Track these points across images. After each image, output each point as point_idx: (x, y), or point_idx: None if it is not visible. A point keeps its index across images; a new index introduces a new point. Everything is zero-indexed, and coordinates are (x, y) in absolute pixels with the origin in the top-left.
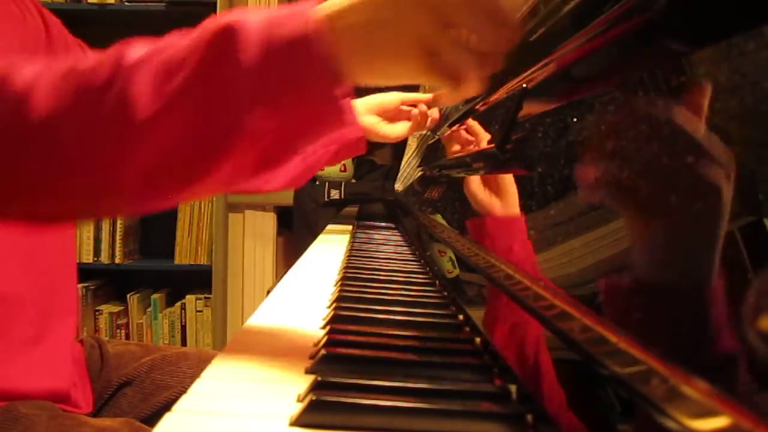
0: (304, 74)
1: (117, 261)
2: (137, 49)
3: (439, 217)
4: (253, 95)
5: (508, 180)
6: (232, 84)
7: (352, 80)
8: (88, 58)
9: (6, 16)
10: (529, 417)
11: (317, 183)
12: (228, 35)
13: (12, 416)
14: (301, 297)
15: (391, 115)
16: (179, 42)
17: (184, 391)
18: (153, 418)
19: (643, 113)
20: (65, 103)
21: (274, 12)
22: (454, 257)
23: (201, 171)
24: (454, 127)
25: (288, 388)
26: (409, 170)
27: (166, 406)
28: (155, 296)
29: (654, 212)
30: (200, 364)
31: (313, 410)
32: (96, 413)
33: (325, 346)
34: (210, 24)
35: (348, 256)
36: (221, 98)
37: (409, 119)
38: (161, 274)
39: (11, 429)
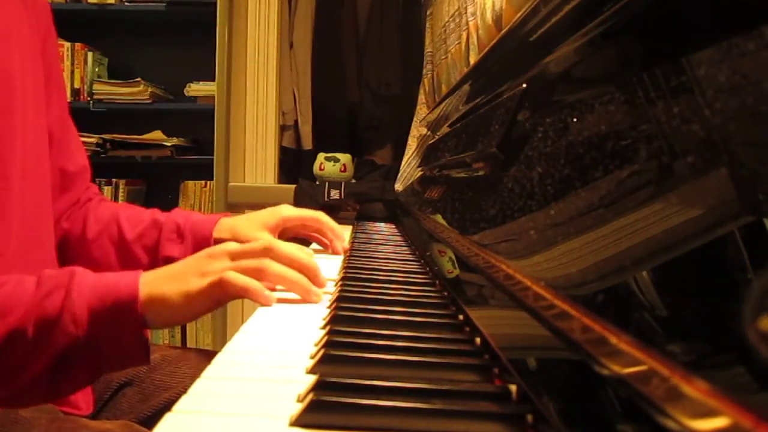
0: (120, 334)
1: None
2: None
3: (439, 217)
4: (79, 351)
5: None
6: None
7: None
8: None
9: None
10: (529, 417)
11: (317, 183)
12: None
13: (12, 419)
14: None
15: (291, 233)
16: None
17: (185, 392)
18: (153, 419)
19: (642, 114)
20: None
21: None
22: (454, 257)
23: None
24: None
25: (288, 388)
26: (409, 170)
27: (166, 407)
28: None
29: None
30: (200, 364)
31: (313, 410)
32: (96, 414)
33: (325, 346)
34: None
35: (348, 256)
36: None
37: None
38: None
39: (10, 431)
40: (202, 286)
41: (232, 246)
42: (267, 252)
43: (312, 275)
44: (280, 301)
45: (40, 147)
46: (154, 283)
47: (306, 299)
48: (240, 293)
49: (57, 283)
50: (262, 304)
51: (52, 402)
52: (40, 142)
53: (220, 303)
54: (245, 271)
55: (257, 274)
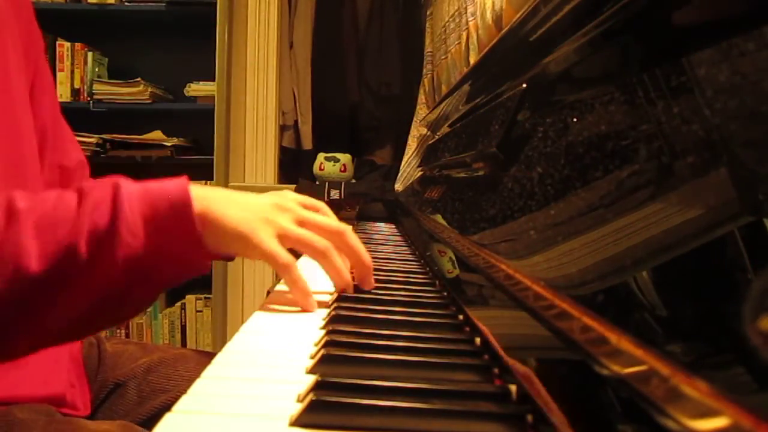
0: (179, 245)
1: None
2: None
3: (439, 217)
4: (135, 267)
5: None
6: (116, 259)
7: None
8: None
9: None
10: (529, 417)
11: (317, 183)
12: (113, 208)
13: (9, 421)
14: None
15: None
16: (66, 203)
17: (182, 395)
18: (149, 422)
19: (642, 115)
20: None
21: (153, 185)
22: (453, 257)
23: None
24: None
25: (288, 388)
26: (409, 170)
27: (163, 411)
28: None
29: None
30: (198, 366)
31: (313, 410)
32: (92, 415)
33: (324, 346)
34: (96, 191)
35: None
36: (104, 271)
37: None
38: None
39: None
40: (265, 246)
41: (301, 208)
42: (336, 235)
43: (366, 275)
44: (279, 303)
45: (29, 144)
46: (212, 200)
47: (339, 288)
48: (291, 285)
49: (102, 196)
50: (304, 310)
51: (117, 326)
52: (29, 139)
53: (262, 260)
54: (310, 247)
55: (318, 255)
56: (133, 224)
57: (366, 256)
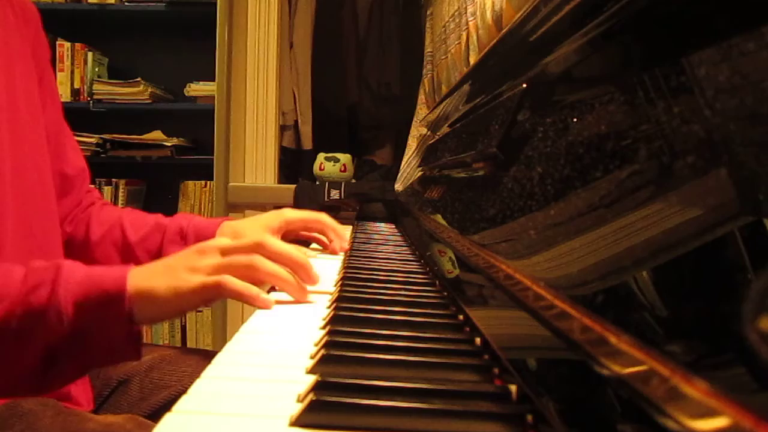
0: (108, 332)
1: None
2: None
3: (439, 217)
4: (67, 348)
5: None
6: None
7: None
8: None
9: None
10: (529, 417)
11: (317, 183)
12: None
13: (16, 412)
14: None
15: (293, 236)
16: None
17: (184, 391)
18: (152, 418)
19: (642, 114)
20: None
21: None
22: (453, 257)
23: None
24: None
25: (288, 388)
26: (409, 170)
27: (166, 406)
28: None
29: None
30: (200, 364)
31: (313, 410)
32: (95, 411)
33: (324, 346)
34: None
35: (348, 256)
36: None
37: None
38: None
39: (16, 425)
40: (193, 284)
41: (222, 242)
42: (258, 248)
43: (303, 271)
44: (279, 303)
45: (37, 152)
46: (143, 277)
47: (297, 299)
48: (236, 297)
49: (43, 278)
50: (260, 308)
51: (45, 395)
52: (37, 147)
53: (209, 303)
54: (236, 268)
55: (248, 270)
56: (63, 311)
57: (295, 255)
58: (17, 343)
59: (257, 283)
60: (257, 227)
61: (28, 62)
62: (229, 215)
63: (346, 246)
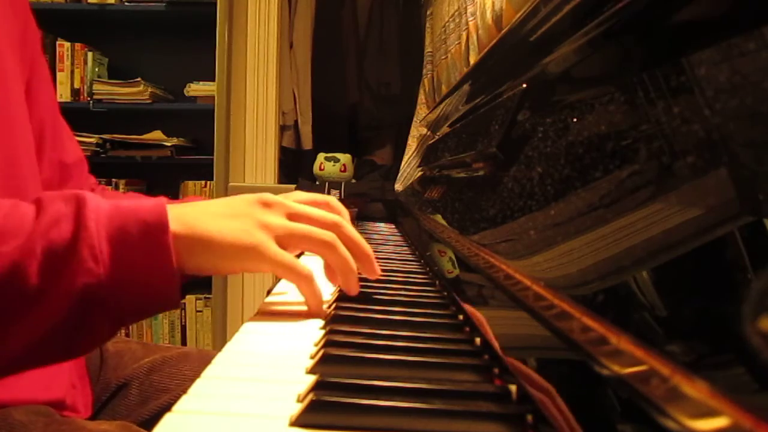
0: (149, 277)
1: None
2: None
3: (439, 217)
4: (101, 295)
5: None
6: (82, 284)
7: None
8: None
9: None
10: (529, 417)
11: (317, 183)
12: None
13: (7, 423)
14: (301, 297)
15: None
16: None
17: (184, 394)
18: (152, 422)
19: (642, 114)
20: None
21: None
22: (453, 257)
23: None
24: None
25: (288, 388)
26: (409, 170)
27: (165, 410)
28: None
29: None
30: (201, 365)
31: (313, 410)
32: (94, 417)
33: (324, 346)
34: (60, 208)
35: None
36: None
37: None
38: None
39: None
40: (277, 256)
41: (291, 202)
42: (335, 227)
43: (370, 266)
44: (278, 303)
45: (12, 156)
46: (189, 215)
47: (349, 291)
48: (304, 293)
49: (64, 210)
50: (314, 316)
51: (68, 360)
52: (27, 139)
53: (262, 270)
54: (311, 240)
55: (323, 248)
56: (97, 247)
57: (365, 246)
58: (39, 292)
59: (302, 249)
60: None
61: (16, 49)
62: None
63: None
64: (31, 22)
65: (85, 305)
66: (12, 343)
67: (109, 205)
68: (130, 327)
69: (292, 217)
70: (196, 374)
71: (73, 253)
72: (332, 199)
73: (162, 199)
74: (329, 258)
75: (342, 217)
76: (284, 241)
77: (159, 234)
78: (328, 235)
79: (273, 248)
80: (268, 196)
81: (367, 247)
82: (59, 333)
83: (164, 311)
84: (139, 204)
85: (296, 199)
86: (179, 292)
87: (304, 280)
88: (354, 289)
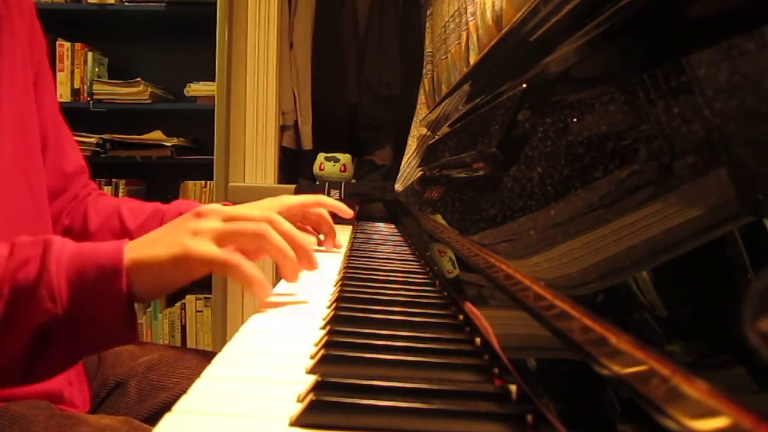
0: (104, 314)
1: None
2: None
3: (438, 217)
4: (59, 327)
5: None
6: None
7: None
8: None
9: None
10: (529, 417)
11: (317, 183)
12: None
13: (9, 418)
14: (301, 297)
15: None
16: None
17: (182, 393)
18: (150, 420)
19: (641, 114)
20: None
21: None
22: (453, 257)
23: None
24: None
25: (288, 388)
26: (409, 170)
27: (164, 408)
28: None
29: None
30: (199, 365)
31: (313, 410)
32: (92, 412)
33: (324, 346)
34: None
35: (347, 256)
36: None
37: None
38: None
39: (8, 430)
40: (202, 251)
41: (224, 208)
42: (269, 222)
43: (306, 257)
44: (279, 303)
45: (25, 151)
46: (141, 247)
47: (287, 278)
48: (243, 281)
49: (31, 253)
50: (259, 297)
51: (29, 384)
52: (25, 145)
53: (211, 272)
54: (243, 235)
55: (255, 239)
56: (56, 289)
57: (300, 238)
58: (3, 326)
59: (259, 254)
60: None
61: (25, 54)
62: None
63: (340, 243)
64: (37, 29)
65: (43, 340)
66: None
67: (72, 248)
68: None
69: (227, 219)
70: (194, 373)
71: (34, 293)
72: (322, 197)
73: (122, 243)
74: (264, 247)
75: (337, 209)
76: (219, 241)
77: (113, 278)
78: (260, 227)
79: (199, 248)
80: (203, 207)
81: (302, 240)
82: (18, 362)
83: (122, 344)
84: (98, 248)
85: (285, 202)
86: (133, 329)
87: (231, 268)
88: (292, 277)
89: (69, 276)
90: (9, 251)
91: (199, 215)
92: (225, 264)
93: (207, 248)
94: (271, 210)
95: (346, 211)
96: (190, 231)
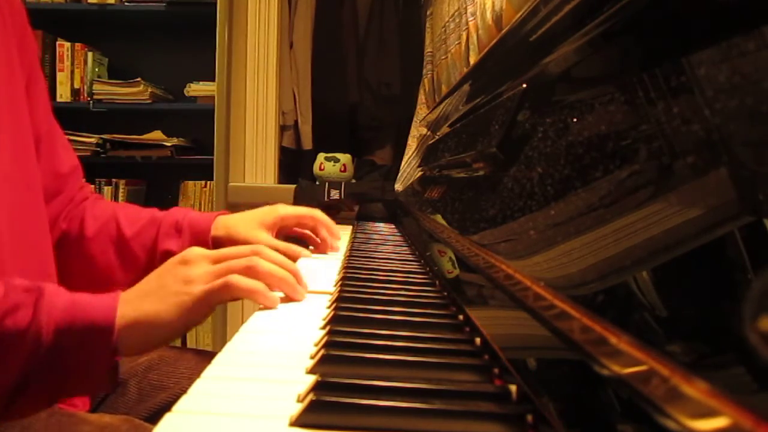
0: (89, 365)
1: None
2: None
3: (439, 217)
4: (42, 373)
5: None
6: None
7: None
8: None
9: None
10: (529, 417)
11: (317, 183)
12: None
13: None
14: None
15: (287, 232)
16: None
17: (182, 393)
18: (150, 420)
19: (641, 114)
20: None
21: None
22: (453, 257)
23: None
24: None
25: (288, 388)
26: (409, 170)
27: (163, 408)
28: None
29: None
30: (199, 364)
31: (313, 410)
32: (91, 412)
33: (324, 346)
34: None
35: (347, 256)
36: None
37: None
38: None
39: (9, 429)
40: (197, 294)
41: (204, 251)
42: (256, 254)
43: (296, 278)
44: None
45: (21, 151)
46: (134, 305)
47: (292, 297)
48: (246, 295)
49: (24, 300)
50: (268, 306)
51: (5, 420)
52: (21, 146)
53: (213, 308)
54: (236, 271)
55: (248, 272)
56: (44, 337)
57: (289, 264)
58: None
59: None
60: (251, 223)
61: (16, 58)
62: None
63: (337, 246)
64: (28, 33)
65: (25, 381)
66: None
67: (65, 300)
68: None
69: (215, 261)
70: (193, 373)
71: (22, 339)
72: (316, 212)
73: (116, 299)
74: (257, 277)
75: (327, 227)
76: (231, 282)
77: (103, 336)
78: (249, 261)
79: (198, 290)
80: (187, 254)
81: (290, 263)
82: (1, 395)
83: (99, 393)
84: (92, 303)
85: (280, 212)
86: (113, 380)
87: (232, 290)
88: (298, 295)
89: (58, 326)
90: (2, 294)
91: (185, 262)
92: (218, 289)
93: (197, 289)
94: (264, 221)
95: (335, 237)
96: (182, 281)
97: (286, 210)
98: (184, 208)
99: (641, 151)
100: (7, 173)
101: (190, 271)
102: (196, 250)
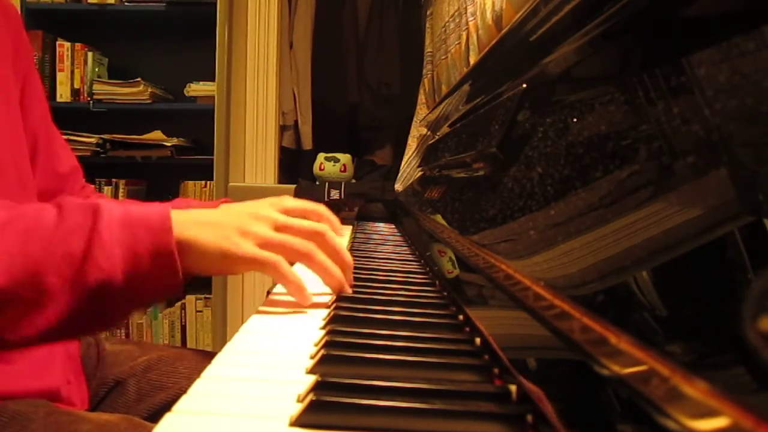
0: (156, 273)
1: None
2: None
3: (439, 217)
4: (118, 296)
5: None
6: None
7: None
8: None
9: None
10: (529, 417)
11: (317, 183)
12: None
13: (7, 414)
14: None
15: None
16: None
17: (181, 393)
18: (149, 420)
19: (641, 113)
20: None
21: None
22: (453, 257)
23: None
24: None
25: (288, 389)
26: (409, 170)
27: (163, 408)
28: None
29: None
30: (198, 364)
31: (313, 410)
32: (91, 411)
33: (324, 346)
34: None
35: None
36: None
37: None
38: None
39: (7, 428)
40: (244, 252)
41: (278, 215)
42: (317, 236)
43: (349, 274)
44: (278, 304)
45: (16, 153)
46: (188, 225)
47: (334, 292)
48: (283, 282)
49: (81, 222)
50: (301, 304)
51: (84, 337)
52: (15, 148)
53: (250, 270)
54: (290, 249)
55: (301, 257)
56: (109, 251)
57: (347, 256)
58: (58, 289)
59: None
60: None
61: (9, 62)
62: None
63: (345, 244)
64: (23, 37)
65: (98, 299)
66: (27, 330)
67: (120, 212)
68: (131, 325)
69: (279, 228)
70: (192, 373)
71: (89, 257)
72: (321, 207)
73: (167, 206)
74: (309, 267)
75: (331, 224)
76: (263, 247)
77: (163, 236)
78: (306, 246)
79: (243, 248)
80: (261, 209)
81: (348, 258)
82: (73, 320)
83: (170, 297)
84: (147, 211)
85: (286, 204)
86: (182, 283)
87: (271, 268)
88: (341, 289)
89: (121, 239)
90: (57, 216)
91: (253, 216)
92: (264, 263)
93: (248, 250)
94: (272, 207)
95: (339, 234)
96: (240, 229)
97: (292, 203)
98: (186, 198)
99: (641, 151)
100: (7, 174)
101: (252, 226)
102: (270, 212)
